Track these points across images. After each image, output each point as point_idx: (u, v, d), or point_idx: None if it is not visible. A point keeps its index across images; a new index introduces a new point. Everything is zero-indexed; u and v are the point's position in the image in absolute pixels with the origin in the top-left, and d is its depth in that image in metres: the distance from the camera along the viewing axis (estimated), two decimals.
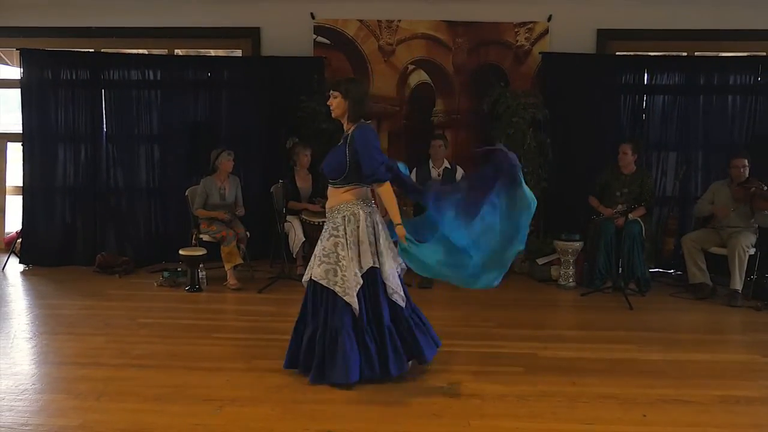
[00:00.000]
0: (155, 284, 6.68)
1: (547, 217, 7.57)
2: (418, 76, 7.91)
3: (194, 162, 7.38)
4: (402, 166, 4.42)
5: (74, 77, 7.68)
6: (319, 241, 4.27)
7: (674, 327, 5.57)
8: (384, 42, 7.84)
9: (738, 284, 6.24)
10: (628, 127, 7.64)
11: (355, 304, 4.09)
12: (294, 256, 6.98)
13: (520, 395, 4.02)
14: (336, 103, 4.22)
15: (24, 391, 4.06)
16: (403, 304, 4.26)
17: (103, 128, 7.70)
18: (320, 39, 7.85)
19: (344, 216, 4.18)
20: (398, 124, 7.94)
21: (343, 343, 4.07)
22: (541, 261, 7.08)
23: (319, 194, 7.08)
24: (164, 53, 8.27)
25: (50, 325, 5.41)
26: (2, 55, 9.79)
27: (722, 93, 7.63)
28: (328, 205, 4.31)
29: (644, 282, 6.56)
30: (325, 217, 6.75)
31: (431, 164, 7.08)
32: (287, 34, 7.83)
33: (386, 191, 4.16)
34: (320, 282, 4.13)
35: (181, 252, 6.45)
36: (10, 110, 9.87)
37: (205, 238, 6.67)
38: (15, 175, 8.34)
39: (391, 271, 4.21)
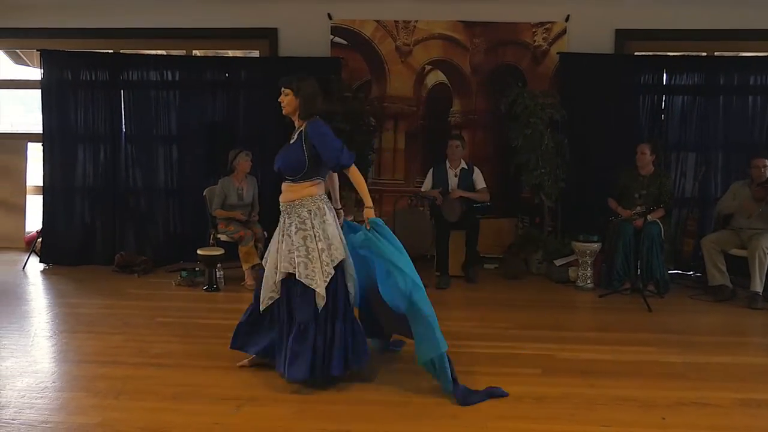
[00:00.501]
0: (173, 284, 6.71)
1: (565, 218, 7.54)
2: (435, 77, 7.90)
3: (212, 162, 7.42)
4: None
5: (94, 78, 7.74)
6: (283, 236, 4.21)
7: (693, 329, 5.52)
8: (401, 42, 7.84)
9: (758, 286, 6.18)
10: (647, 127, 7.59)
11: (323, 298, 4.09)
12: None
13: (538, 397, 4.00)
14: (287, 100, 4.23)
15: (44, 388, 4.10)
16: (352, 294, 4.29)
17: (122, 128, 7.75)
18: (337, 39, 7.86)
19: (310, 210, 4.17)
20: (415, 125, 7.94)
21: (314, 336, 4.08)
22: (558, 262, 7.04)
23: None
24: (182, 54, 8.32)
25: (70, 323, 5.45)
26: (22, 55, 9.88)
27: (742, 93, 7.56)
28: (286, 198, 4.25)
29: (663, 284, 6.51)
30: (342, 217, 6.81)
31: (448, 165, 7.07)
32: (304, 35, 7.85)
33: (355, 173, 4.18)
34: (295, 276, 4.09)
35: (199, 252, 6.48)
36: (30, 111, 9.97)
37: (223, 238, 6.70)
38: (35, 175, 8.41)
39: (351, 266, 4.27)
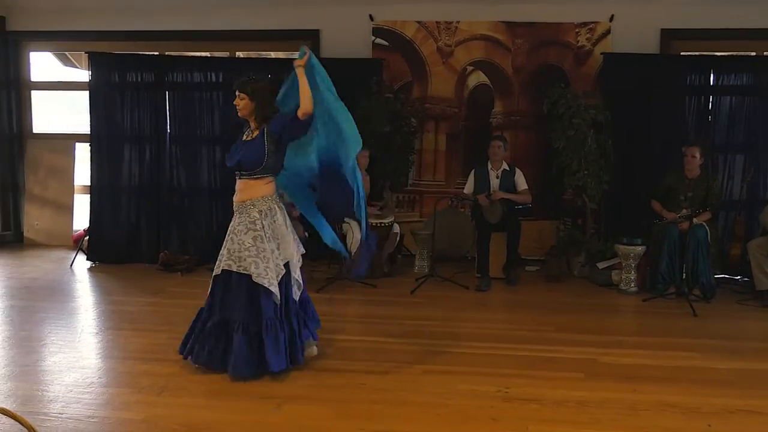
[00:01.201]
0: None
1: (608, 220, 7.44)
2: (477, 78, 7.87)
3: None
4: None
5: (139, 79, 7.88)
6: (232, 235, 4.28)
7: (740, 335, 5.40)
8: (443, 43, 7.82)
9: None
10: (693, 129, 7.45)
11: (278, 295, 4.20)
12: (351, 257, 7.01)
13: (580, 401, 3.96)
14: (243, 104, 4.34)
15: (90, 384, 4.18)
16: (297, 297, 4.42)
17: (167, 129, 7.87)
18: (379, 41, 7.88)
19: (260, 210, 4.27)
20: (456, 126, 7.92)
21: (259, 334, 4.18)
22: (601, 265, 6.95)
23: (377, 196, 7.10)
24: (226, 55, 8.42)
25: (115, 320, 5.55)
26: (71, 58, 10.11)
27: None
28: (240, 198, 4.34)
29: (709, 288, 6.38)
30: (382, 218, 6.85)
31: (489, 166, 7.03)
32: (346, 36, 7.89)
33: (308, 98, 4.29)
34: (245, 273, 4.16)
35: None
36: (78, 112, 10.18)
37: None
38: (83, 175, 8.59)
39: (298, 266, 4.41)
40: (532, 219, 7.33)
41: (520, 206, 6.93)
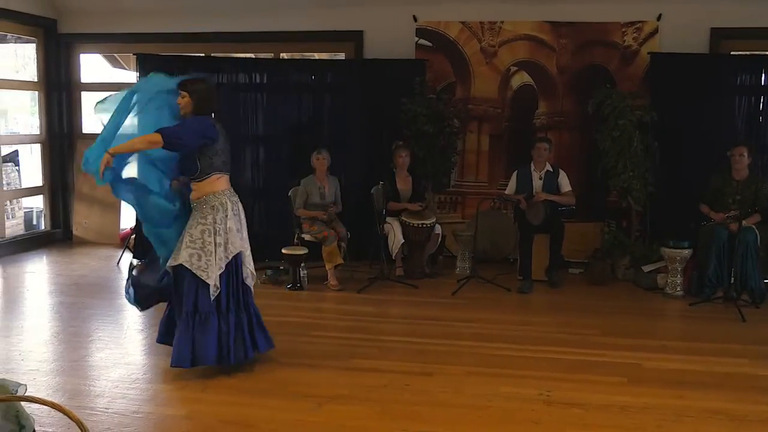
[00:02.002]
0: (258, 282, 6.80)
1: (654, 222, 7.32)
2: (521, 78, 7.81)
3: (297, 163, 7.55)
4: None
5: None
6: (186, 230, 4.37)
7: None
8: (486, 44, 7.78)
9: None
10: (743, 130, 7.29)
11: (214, 287, 4.28)
12: (393, 257, 7.02)
13: (624, 406, 3.91)
14: (184, 102, 4.38)
15: (136, 380, 4.27)
16: (251, 287, 4.55)
17: None
18: (422, 41, 7.87)
19: (213, 206, 4.36)
20: (500, 127, 7.87)
21: (217, 325, 4.29)
22: (646, 268, 6.84)
23: (418, 197, 7.10)
24: (270, 57, 8.50)
25: (160, 318, 5.63)
26: (120, 59, 10.32)
27: None
28: (194, 196, 4.43)
29: (758, 293, 6.23)
30: (424, 218, 6.85)
31: (533, 167, 6.97)
32: (390, 37, 7.89)
33: (147, 138, 4.23)
34: (184, 265, 4.25)
35: (283, 251, 6.59)
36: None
37: (307, 237, 6.80)
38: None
39: (250, 257, 4.53)
40: (575, 221, 7.24)
41: (564, 208, 6.86)
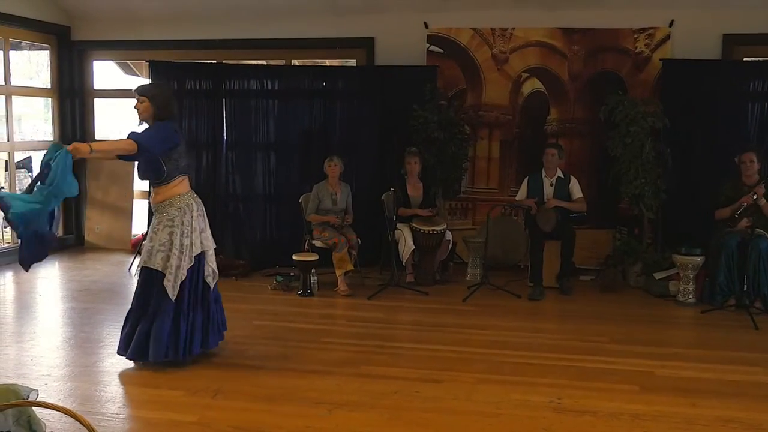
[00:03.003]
0: (269, 288, 6.86)
1: (666, 229, 7.29)
2: (532, 85, 7.80)
3: (308, 169, 7.57)
4: None
5: (198, 87, 8.03)
6: (151, 233, 4.51)
7: None
8: (497, 50, 7.78)
9: None
10: (756, 136, 7.24)
11: (172, 291, 4.42)
12: (404, 263, 7.01)
13: (635, 414, 3.88)
14: (143, 107, 4.46)
15: (146, 386, 4.28)
16: (212, 285, 4.70)
17: (223, 136, 8.00)
18: (433, 48, 7.87)
19: (179, 207, 4.48)
20: (510, 133, 7.86)
21: (162, 323, 4.41)
22: (658, 275, 6.80)
23: (429, 203, 7.09)
24: (282, 63, 8.53)
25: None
26: (132, 66, 10.38)
27: None
28: (157, 200, 4.53)
29: None
30: (435, 225, 6.85)
31: (544, 173, 6.95)
32: (401, 44, 7.90)
33: (122, 144, 4.32)
34: (156, 269, 4.40)
35: (294, 257, 6.60)
36: (137, 119, 10.42)
37: (318, 244, 6.81)
38: (141, 181, 8.77)
39: (212, 256, 4.67)
40: (586, 227, 7.22)
41: (575, 214, 6.84)
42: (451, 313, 6.02)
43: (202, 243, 4.58)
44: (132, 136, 4.33)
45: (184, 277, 4.46)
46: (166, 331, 4.43)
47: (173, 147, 4.43)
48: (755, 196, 6.17)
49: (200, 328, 4.59)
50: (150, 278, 4.47)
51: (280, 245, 7.77)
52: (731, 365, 4.74)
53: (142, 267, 4.49)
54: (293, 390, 4.20)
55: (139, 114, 4.51)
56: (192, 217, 4.53)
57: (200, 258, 4.57)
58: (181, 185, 4.56)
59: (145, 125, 4.54)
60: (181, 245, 4.45)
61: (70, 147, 4.07)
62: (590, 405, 4.00)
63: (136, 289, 4.59)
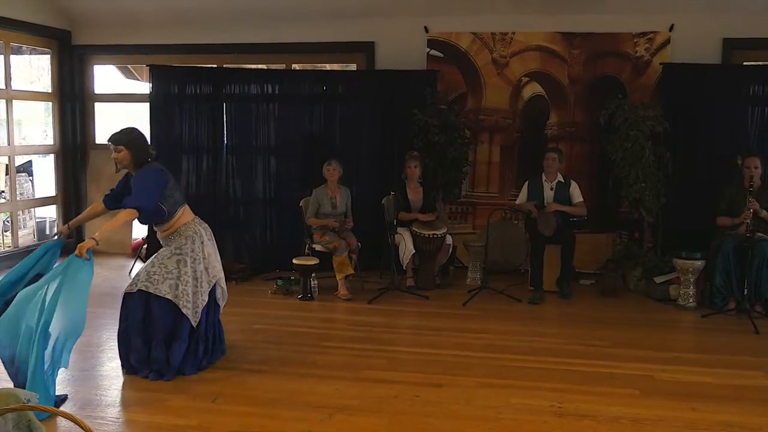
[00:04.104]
0: (269, 292, 6.86)
1: (666, 234, 7.28)
2: (532, 89, 7.81)
3: (308, 173, 7.57)
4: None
5: (198, 91, 8.02)
6: (155, 259, 4.56)
7: None
8: (498, 54, 7.79)
9: None
10: (756, 140, 7.24)
11: (194, 317, 4.48)
12: (404, 267, 7.01)
13: (636, 419, 3.88)
14: (121, 156, 4.51)
15: (147, 390, 4.27)
16: (222, 306, 4.82)
17: (223, 140, 8.00)
18: (433, 52, 7.88)
19: (187, 236, 4.56)
20: (511, 137, 7.86)
21: (179, 347, 4.45)
22: (659, 280, 6.80)
23: (429, 207, 7.10)
24: (282, 68, 8.53)
25: None
26: (133, 71, 10.39)
27: None
28: (164, 235, 4.62)
29: None
30: (435, 229, 6.85)
31: (544, 178, 6.96)
32: (401, 48, 7.91)
33: (122, 217, 4.39)
34: (164, 296, 4.40)
35: (294, 261, 6.60)
36: (138, 123, 10.43)
37: (318, 248, 6.81)
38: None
39: (223, 278, 4.78)
40: (586, 232, 7.22)
41: (575, 219, 6.84)
42: (451, 317, 6.01)
43: (215, 266, 4.66)
44: (128, 204, 4.39)
45: (205, 303, 4.54)
46: (183, 352, 4.48)
47: (164, 187, 4.49)
48: (752, 211, 6.17)
49: (210, 348, 4.69)
50: (156, 305, 4.44)
51: (281, 249, 7.77)
52: (732, 369, 4.73)
53: (141, 291, 4.46)
54: (293, 394, 4.20)
55: (118, 163, 4.57)
56: (203, 242, 4.60)
57: (215, 284, 4.70)
58: (185, 215, 4.63)
59: (124, 171, 4.66)
60: (195, 272, 4.50)
61: (76, 252, 4.27)
62: (591, 409, 4.00)
63: (135, 312, 4.49)
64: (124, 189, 4.67)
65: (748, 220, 6.18)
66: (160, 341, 4.46)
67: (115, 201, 4.74)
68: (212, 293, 4.68)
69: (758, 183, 6.36)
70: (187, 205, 4.70)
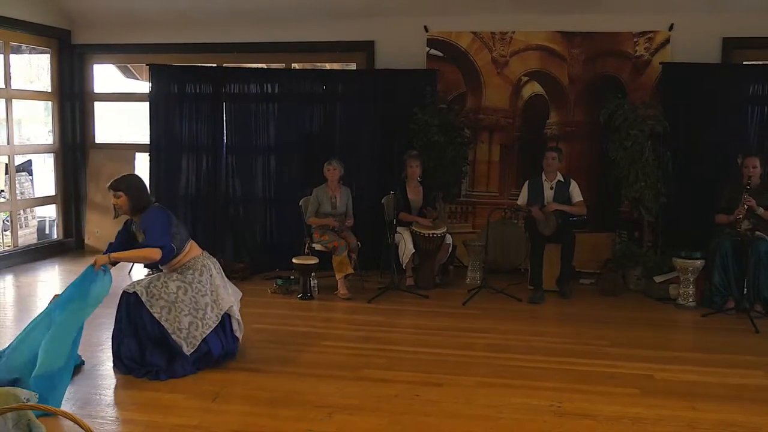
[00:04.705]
0: (269, 291, 6.86)
1: (666, 233, 7.29)
2: (532, 88, 7.80)
3: (308, 173, 7.57)
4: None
5: (198, 91, 8.02)
6: (162, 275, 4.61)
7: None
8: (497, 54, 7.78)
9: None
10: (756, 139, 7.25)
11: (188, 347, 4.47)
12: (404, 267, 7.01)
13: (636, 418, 3.88)
14: (121, 202, 4.57)
15: (146, 389, 4.27)
16: (239, 336, 4.82)
17: (223, 139, 8.00)
18: (433, 52, 7.88)
19: (196, 268, 4.63)
20: (511, 137, 7.86)
21: (183, 365, 4.51)
22: (658, 279, 6.80)
23: (429, 206, 7.10)
24: (282, 67, 8.53)
25: None
26: (133, 70, 10.39)
27: None
28: (171, 268, 4.64)
29: None
30: (435, 228, 6.85)
31: (544, 177, 6.95)
32: (401, 48, 7.91)
33: (145, 253, 4.47)
34: (155, 317, 4.44)
35: (294, 260, 6.59)
36: (138, 122, 10.44)
37: (318, 247, 6.80)
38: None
39: (237, 310, 4.78)
40: (586, 231, 7.22)
41: (575, 218, 6.83)
42: (451, 317, 6.01)
43: (224, 299, 4.67)
44: (151, 243, 4.45)
45: (204, 336, 4.52)
46: (187, 371, 4.50)
47: (170, 226, 4.57)
48: (746, 207, 6.18)
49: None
50: (148, 316, 4.48)
51: (280, 248, 7.77)
52: (732, 369, 4.73)
53: (137, 295, 4.49)
54: (293, 393, 4.19)
55: (117, 208, 4.61)
56: (211, 275, 4.65)
57: (226, 316, 4.71)
58: (192, 249, 4.70)
59: (124, 217, 4.70)
60: (195, 302, 4.53)
61: (93, 262, 4.34)
62: (591, 409, 4.00)
63: (130, 314, 4.54)
64: (125, 238, 4.71)
65: (741, 216, 6.19)
66: (153, 349, 4.48)
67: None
68: (227, 325, 4.71)
69: (757, 182, 6.36)
70: (193, 240, 4.76)
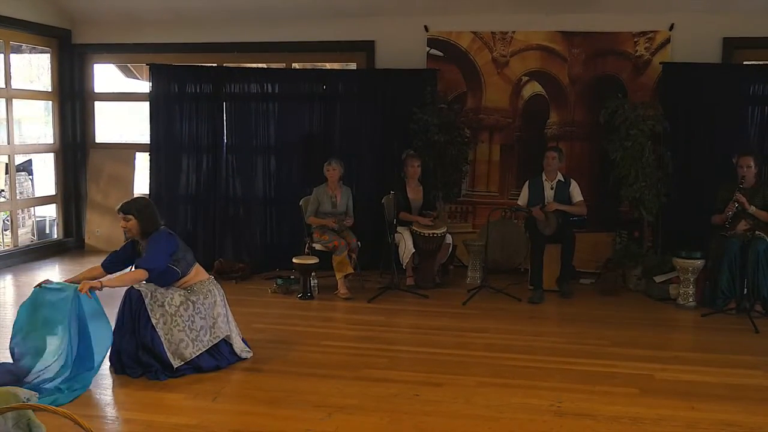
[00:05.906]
0: (269, 291, 6.86)
1: (666, 233, 7.28)
2: (532, 88, 7.80)
3: (308, 172, 7.58)
4: None
5: (198, 90, 8.02)
6: (168, 286, 4.61)
7: None
8: (498, 54, 7.78)
9: None
10: (756, 140, 7.24)
11: (173, 360, 4.43)
12: (404, 267, 7.01)
13: (636, 418, 3.88)
14: (131, 225, 4.59)
15: (146, 388, 4.27)
16: (250, 356, 4.80)
17: (223, 139, 8.00)
18: (433, 51, 7.88)
19: (201, 291, 4.66)
20: (511, 137, 7.86)
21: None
22: (658, 279, 6.80)
23: (429, 206, 7.10)
24: (282, 67, 8.53)
25: None
26: (133, 69, 10.39)
27: None
28: (180, 286, 4.68)
29: None
30: (435, 228, 6.85)
31: (544, 177, 6.95)
32: (401, 47, 7.91)
33: (133, 276, 4.51)
34: (152, 321, 4.44)
35: (294, 260, 6.59)
36: (138, 122, 10.45)
37: (318, 247, 6.80)
38: (142, 184, 8.79)
39: (236, 337, 4.77)
40: (586, 231, 7.22)
41: (575, 218, 6.83)
42: (451, 317, 6.01)
43: (221, 327, 4.67)
44: (141, 265, 4.48)
45: (193, 356, 4.49)
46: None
47: (175, 251, 4.59)
48: (737, 205, 6.18)
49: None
50: (145, 319, 4.48)
51: (280, 248, 7.77)
52: (731, 369, 4.73)
53: (140, 293, 4.49)
54: (293, 393, 4.20)
55: (126, 231, 4.63)
56: (215, 302, 4.67)
57: (226, 342, 4.71)
58: (198, 274, 4.75)
59: (134, 240, 4.71)
60: (192, 322, 4.53)
61: (80, 287, 4.26)
62: (591, 408, 4.00)
63: (133, 311, 4.52)
64: (126, 255, 4.74)
65: (731, 212, 6.20)
66: (143, 353, 4.46)
67: (115, 265, 4.77)
68: (223, 347, 4.68)
69: (751, 181, 6.36)
70: (199, 265, 4.79)
